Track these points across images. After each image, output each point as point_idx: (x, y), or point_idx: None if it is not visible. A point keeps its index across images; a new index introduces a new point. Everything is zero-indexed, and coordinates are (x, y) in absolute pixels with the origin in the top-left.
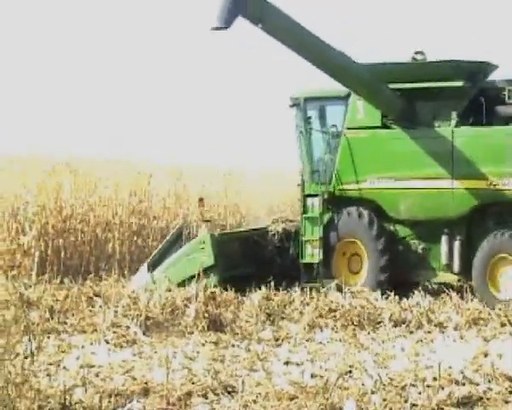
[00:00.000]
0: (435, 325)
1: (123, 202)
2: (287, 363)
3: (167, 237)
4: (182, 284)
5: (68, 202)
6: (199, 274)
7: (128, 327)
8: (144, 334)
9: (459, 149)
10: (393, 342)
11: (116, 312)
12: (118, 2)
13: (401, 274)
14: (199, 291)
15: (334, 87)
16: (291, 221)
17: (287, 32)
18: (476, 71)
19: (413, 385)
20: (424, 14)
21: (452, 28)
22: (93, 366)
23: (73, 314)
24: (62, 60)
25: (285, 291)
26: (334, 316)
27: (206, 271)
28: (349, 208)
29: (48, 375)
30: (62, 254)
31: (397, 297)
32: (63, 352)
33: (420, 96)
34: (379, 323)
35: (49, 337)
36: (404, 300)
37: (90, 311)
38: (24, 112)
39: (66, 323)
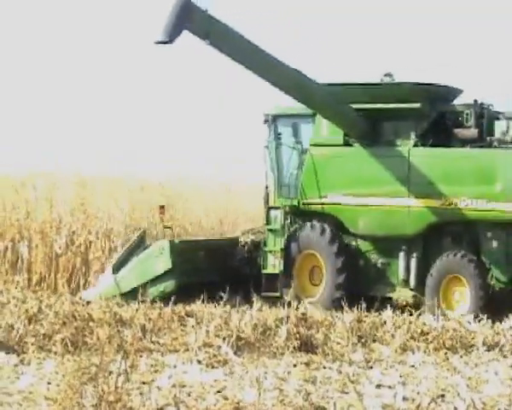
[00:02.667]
0: None
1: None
2: (379, 386)
3: (131, 241)
4: (142, 287)
5: None
6: (156, 278)
7: (219, 347)
8: (236, 354)
9: (415, 168)
10: (486, 366)
11: (208, 332)
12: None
13: (359, 288)
14: (290, 312)
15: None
16: (262, 233)
17: (235, 47)
18: (437, 94)
19: None
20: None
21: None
22: (185, 386)
23: (165, 334)
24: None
25: (377, 313)
26: (427, 339)
27: (165, 275)
28: (310, 222)
29: (141, 394)
30: None
31: (489, 321)
32: (156, 371)
33: (381, 117)
34: (471, 346)
35: (141, 356)
36: (498, 324)
37: (182, 330)
38: (114, 134)
39: (158, 342)
